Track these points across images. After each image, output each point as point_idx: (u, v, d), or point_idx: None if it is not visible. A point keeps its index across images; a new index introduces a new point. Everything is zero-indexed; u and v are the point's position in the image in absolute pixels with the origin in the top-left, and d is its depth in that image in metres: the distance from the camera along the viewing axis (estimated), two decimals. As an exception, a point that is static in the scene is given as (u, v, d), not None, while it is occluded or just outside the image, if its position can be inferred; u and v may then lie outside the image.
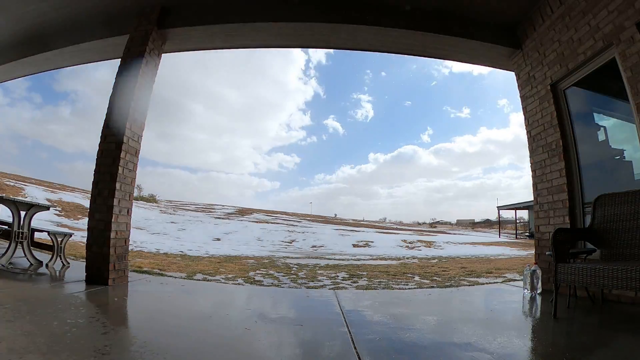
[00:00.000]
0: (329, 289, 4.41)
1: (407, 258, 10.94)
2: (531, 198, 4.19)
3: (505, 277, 5.36)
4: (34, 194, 18.99)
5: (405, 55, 4.73)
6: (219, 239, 16.61)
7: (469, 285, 4.56)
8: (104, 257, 3.38)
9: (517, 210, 32.60)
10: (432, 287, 4.66)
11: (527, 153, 4.20)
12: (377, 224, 44.49)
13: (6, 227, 4.46)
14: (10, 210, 3.73)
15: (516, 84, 4.42)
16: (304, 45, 4.72)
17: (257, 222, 26.43)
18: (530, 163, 4.14)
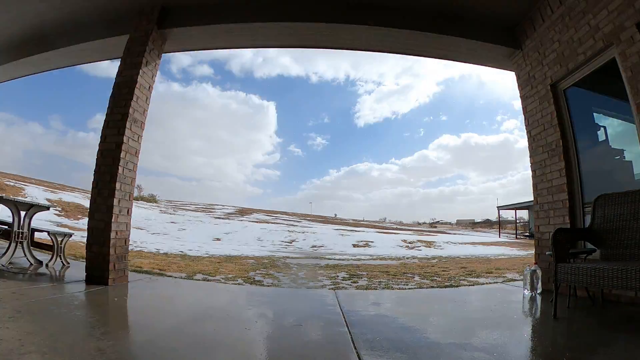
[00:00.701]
0: (329, 289, 4.40)
1: (407, 258, 10.94)
2: (524, 199, 4.19)
3: (505, 277, 5.36)
4: (34, 194, 18.98)
5: (406, 56, 4.73)
6: (219, 239, 16.61)
7: (469, 285, 4.56)
8: (104, 257, 3.38)
9: (517, 210, 32.61)
10: (432, 287, 4.66)
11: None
12: (377, 224, 44.49)
13: (6, 227, 4.46)
14: (10, 210, 3.73)
15: (516, 84, 4.42)
16: (304, 45, 4.71)
17: (257, 222, 26.43)
18: (530, 163, 4.14)
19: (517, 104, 4.50)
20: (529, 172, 4.16)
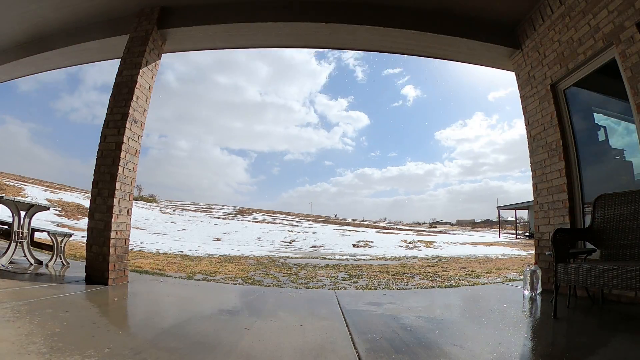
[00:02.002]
0: (329, 289, 4.41)
1: (407, 258, 10.94)
2: (524, 199, 4.20)
3: (505, 277, 5.36)
4: (34, 194, 18.98)
5: (406, 55, 4.73)
6: (219, 239, 16.61)
7: (469, 285, 4.56)
8: (104, 257, 3.38)
9: (517, 210, 32.61)
10: (432, 287, 4.66)
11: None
12: (377, 224, 44.49)
13: (6, 227, 4.46)
14: (10, 210, 3.73)
15: (516, 84, 4.42)
16: (304, 45, 4.72)
17: (257, 222, 26.44)
18: (530, 163, 4.14)
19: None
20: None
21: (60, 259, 4.21)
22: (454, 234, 30.53)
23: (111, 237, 3.41)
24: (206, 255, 8.99)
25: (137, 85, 3.75)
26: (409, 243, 17.29)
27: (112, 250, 3.40)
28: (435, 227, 60.53)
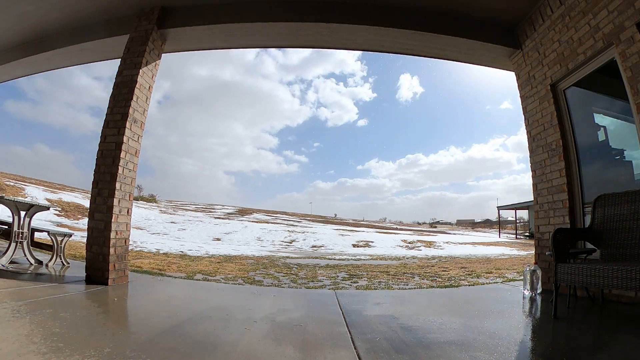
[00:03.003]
0: (329, 289, 4.40)
1: (407, 258, 10.94)
2: (524, 199, 4.20)
3: (505, 277, 5.36)
4: (34, 194, 18.98)
5: (406, 55, 4.73)
6: (219, 239, 16.61)
7: (469, 286, 4.55)
8: (104, 257, 3.38)
9: (517, 210, 32.62)
10: (432, 287, 4.66)
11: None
12: (377, 224, 44.49)
13: (6, 227, 4.46)
14: (10, 210, 3.73)
15: (516, 84, 4.42)
16: (304, 45, 4.72)
17: (257, 222, 26.44)
18: (530, 163, 4.14)
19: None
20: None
21: (60, 259, 4.21)
22: (454, 234, 30.54)
23: (111, 237, 3.41)
24: (206, 255, 8.99)
25: (137, 85, 3.76)
26: (409, 243, 17.29)
27: (112, 250, 3.40)
28: (435, 227, 60.54)
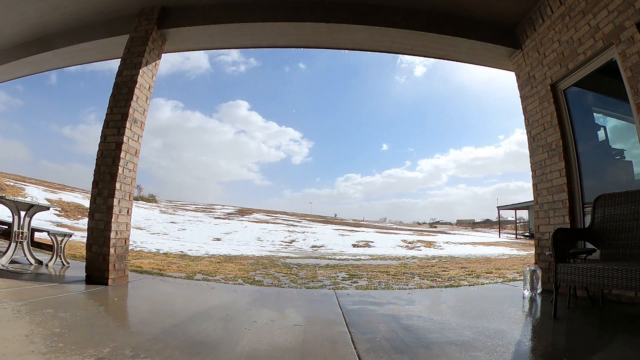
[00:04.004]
0: (329, 289, 4.41)
1: (407, 258, 10.94)
2: (525, 199, 4.20)
3: (505, 277, 5.36)
4: (34, 194, 18.99)
5: (406, 55, 4.73)
6: (219, 239, 16.62)
7: (469, 286, 4.55)
8: (104, 257, 3.38)
9: (517, 210, 32.62)
10: (432, 287, 4.66)
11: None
12: (377, 224, 44.50)
13: (6, 227, 4.46)
14: (10, 210, 3.74)
15: (516, 84, 4.43)
16: (304, 45, 4.71)
17: (257, 222, 26.44)
18: (530, 163, 4.14)
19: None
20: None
21: (60, 259, 4.21)
22: (454, 234, 30.54)
23: (111, 237, 3.41)
24: (206, 255, 8.99)
25: (137, 85, 3.75)
26: (409, 243, 17.29)
27: (112, 250, 3.40)
28: (435, 227, 60.54)
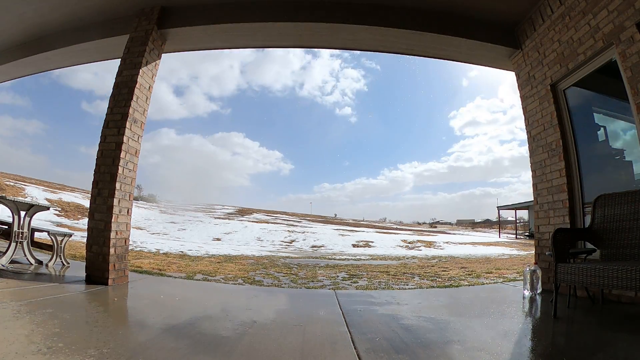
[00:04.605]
0: (329, 289, 4.41)
1: (407, 258, 10.94)
2: (526, 199, 4.20)
3: (506, 277, 5.36)
4: (34, 194, 18.99)
5: (406, 55, 4.73)
6: (219, 239, 16.62)
7: (469, 286, 4.55)
8: (104, 257, 3.38)
9: (517, 210, 32.62)
10: (432, 287, 4.66)
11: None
12: (377, 224, 44.48)
13: (6, 227, 4.46)
14: (11, 210, 3.73)
15: (516, 84, 4.43)
16: (304, 45, 4.72)
17: (257, 222, 26.44)
18: (530, 163, 4.14)
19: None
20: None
21: (60, 259, 4.21)
22: (454, 234, 30.54)
23: (111, 237, 3.41)
24: (206, 255, 8.99)
25: (137, 85, 3.76)
26: (409, 243, 17.29)
27: (112, 250, 3.40)
28: (435, 227, 60.53)
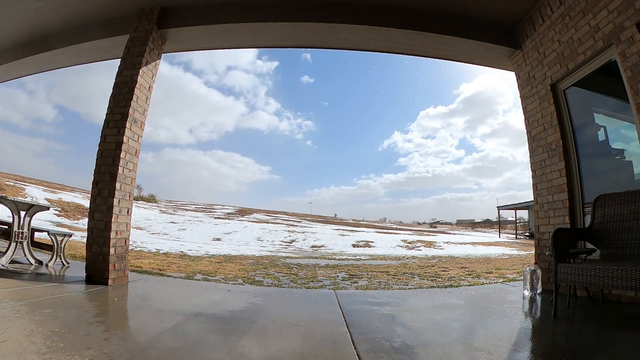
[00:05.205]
0: (329, 289, 4.41)
1: (407, 258, 10.94)
2: (526, 199, 4.20)
3: (506, 277, 5.36)
4: (34, 194, 18.99)
5: (406, 55, 4.73)
6: (219, 239, 16.61)
7: (469, 286, 4.55)
8: (104, 257, 3.38)
9: (517, 210, 32.61)
10: (432, 287, 4.66)
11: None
12: (377, 224, 44.49)
13: (6, 227, 4.46)
14: (10, 210, 3.74)
15: (516, 84, 4.43)
16: (304, 45, 4.71)
17: (257, 222, 26.43)
18: (530, 163, 4.14)
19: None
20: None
21: (60, 259, 4.21)
22: (454, 234, 30.53)
23: (111, 237, 3.41)
24: (206, 255, 8.99)
25: (137, 85, 3.76)
26: (409, 243, 17.28)
27: (112, 250, 3.40)
28: (435, 227, 60.53)
